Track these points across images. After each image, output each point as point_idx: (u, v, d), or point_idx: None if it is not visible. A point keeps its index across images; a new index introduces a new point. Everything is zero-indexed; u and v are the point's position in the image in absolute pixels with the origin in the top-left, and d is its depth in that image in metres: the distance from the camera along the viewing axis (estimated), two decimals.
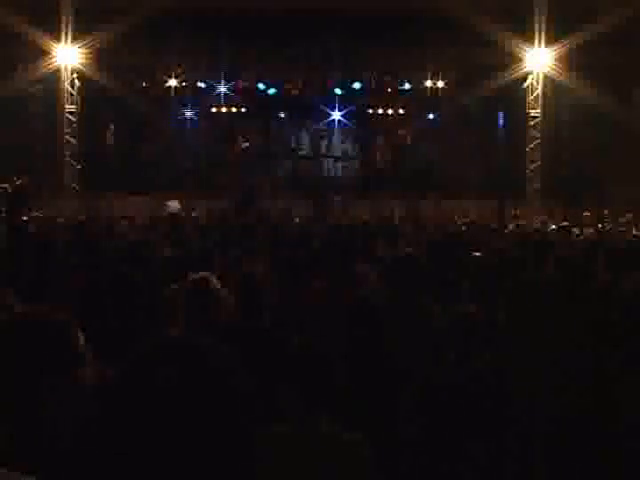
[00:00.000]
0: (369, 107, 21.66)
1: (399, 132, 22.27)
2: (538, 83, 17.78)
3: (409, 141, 22.41)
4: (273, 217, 12.09)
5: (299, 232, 8.22)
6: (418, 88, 20.61)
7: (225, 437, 1.20)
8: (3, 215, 13.57)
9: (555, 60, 17.33)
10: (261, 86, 20.48)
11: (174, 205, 15.69)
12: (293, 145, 22.32)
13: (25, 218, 13.42)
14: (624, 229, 11.70)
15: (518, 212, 14.67)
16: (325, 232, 8.43)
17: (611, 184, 17.50)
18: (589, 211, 14.21)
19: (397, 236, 8.05)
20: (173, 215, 13.06)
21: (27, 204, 14.28)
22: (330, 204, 16.24)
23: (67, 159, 18.22)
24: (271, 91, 20.67)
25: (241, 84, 20.34)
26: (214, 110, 21.18)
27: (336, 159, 22.36)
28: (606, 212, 14.41)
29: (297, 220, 12.39)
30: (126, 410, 1.19)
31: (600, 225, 12.53)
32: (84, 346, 1.80)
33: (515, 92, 18.11)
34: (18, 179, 14.88)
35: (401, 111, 21.90)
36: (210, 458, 1.15)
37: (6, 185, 15.40)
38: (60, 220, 11.81)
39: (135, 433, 1.17)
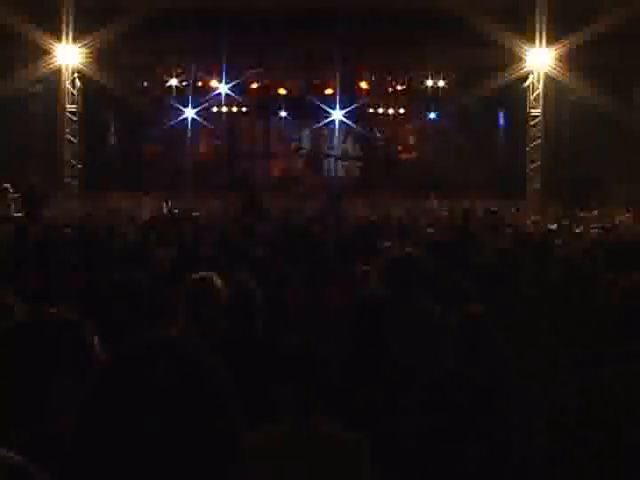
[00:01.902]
0: (369, 107, 21.68)
1: (399, 132, 22.28)
2: (539, 82, 17.77)
3: (409, 141, 22.42)
4: (275, 217, 12.08)
5: (301, 232, 8.22)
6: (419, 88, 20.63)
7: (197, 440, 1.20)
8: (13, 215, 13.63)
9: (556, 60, 17.32)
10: (262, 85, 20.50)
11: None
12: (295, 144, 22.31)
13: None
14: (624, 228, 11.70)
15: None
16: (326, 231, 8.43)
17: (611, 184, 17.50)
18: (589, 210, 14.21)
19: (404, 235, 8.05)
20: (173, 215, 13.07)
21: (42, 204, 14.33)
22: (341, 201, 16.23)
23: (68, 159, 18.22)
24: (272, 90, 20.69)
25: (242, 84, 20.36)
26: (215, 110, 21.20)
27: (336, 159, 22.38)
28: (606, 212, 14.40)
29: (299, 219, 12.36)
30: (102, 412, 1.20)
31: (600, 224, 12.52)
32: (98, 346, 1.82)
33: (516, 91, 18.10)
34: (28, 179, 14.96)
35: (401, 111, 21.91)
36: (182, 462, 1.16)
37: (7, 185, 15.44)
38: (60, 220, 11.80)
39: (113, 433, 1.17)
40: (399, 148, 22.46)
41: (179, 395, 1.12)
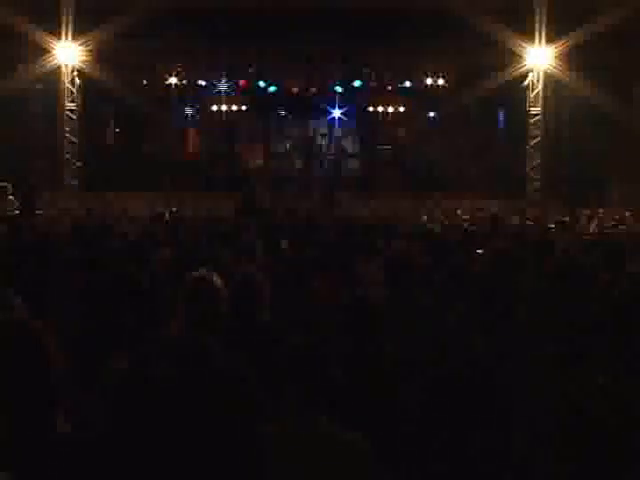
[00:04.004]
0: (369, 105, 21.68)
1: (399, 130, 22.27)
2: (538, 81, 17.77)
3: (409, 140, 22.41)
4: (274, 216, 12.06)
5: (300, 232, 8.23)
6: (418, 86, 20.63)
7: (233, 436, 1.22)
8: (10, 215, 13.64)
9: (555, 58, 17.32)
10: (261, 84, 20.50)
11: None
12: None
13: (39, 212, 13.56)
14: (624, 227, 11.70)
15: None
16: (327, 231, 8.44)
17: (611, 183, 17.52)
18: (589, 210, 14.22)
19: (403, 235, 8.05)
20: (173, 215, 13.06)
21: (35, 205, 14.35)
22: (337, 201, 16.23)
23: (67, 158, 18.21)
24: (271, 89, 20.69)
25: (241, 82, 20.36)
26: (214, 108, 21.20)
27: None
28: (606, 211, 14.40)
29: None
30: (133, 408, 1.21)
31: (600, 224, 12.52)
32: (57, 353, 1.88)
33: (515, 91, 18.10)
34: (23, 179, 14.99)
35: (401, 109, 21.91)
36: (217, 456, 1.18)
37: (5, 184, 15.47)
38: (60, 219, 11.81)
39: (142, 432, 1.19)
40: (398, 147, 22.44)
41: (198, 396, 1.13)
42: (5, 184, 15.52)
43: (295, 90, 20.72)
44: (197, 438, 1.15)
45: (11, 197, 15.25)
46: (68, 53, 17.43)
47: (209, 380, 1.10)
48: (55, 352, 1.89)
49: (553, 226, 11.09)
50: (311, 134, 22.41)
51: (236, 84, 20.40)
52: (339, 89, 20.73)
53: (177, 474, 1.08)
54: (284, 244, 6.92)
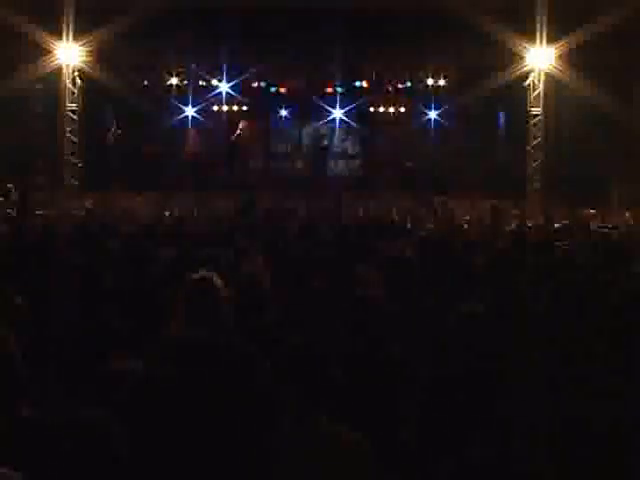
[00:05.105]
0: (370, 105, 21.69)
1: (400, 131, 22.27)
2: (539, 81, 17.75)
3: (409, 140, 22.41)
4: (275, 217, 12.05)
5: (301, 232, 8.23)
6: (419, 86, 20.64)
7: (249, 435, 1.25)
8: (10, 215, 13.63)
9: (557, 58, 17.31)
10: (262, 84, 20.51)
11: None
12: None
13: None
14: (624, 228, 11.70)
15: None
16: (326, 232, 8.44)
17: (611, 183, 17.50)
18: (590, 210, 14.21)
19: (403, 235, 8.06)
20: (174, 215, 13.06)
21: (31, 205, 14.36)
22: (341, 201, 16.23)
23: (68, 158, 18.21)
24: (272, 89, 20.70)
25: (242, 83, 20.37)
26: (215, 109, 21.21)
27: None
28: (606, 211, 14.41)
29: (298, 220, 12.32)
30: (151, 407, 1.23)
31: (600, 224, 12.52)
32: (19, 359, 2.01)
33: (516, 91, 18.09)
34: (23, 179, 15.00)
35: (402, 109, 21.92)
36: (235, 455, 1.19)
37: (10, 185, 15.48)
38: (60, 219, 11.81)
39: (157, 431, 1.21)
40: (399, 147, 22.43)
41: (216, 395, 1.13)
42: (10, 185, 15.53)
43: (296, 90, 20.72)
44: (210, 438, 1.16)
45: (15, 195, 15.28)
46: (69, 53, 17.41)
47: (229, 379, 1.11)
48: (16, 351, 2.03)
49: (554, 227, 11.09)
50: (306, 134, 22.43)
51: (236, 84, 20.40)
52: (340, 89, 20.74)
53: (181, 471, 1.09)
54: (283, 244, 6.92)
